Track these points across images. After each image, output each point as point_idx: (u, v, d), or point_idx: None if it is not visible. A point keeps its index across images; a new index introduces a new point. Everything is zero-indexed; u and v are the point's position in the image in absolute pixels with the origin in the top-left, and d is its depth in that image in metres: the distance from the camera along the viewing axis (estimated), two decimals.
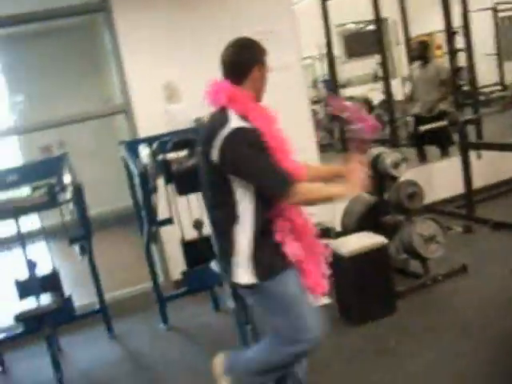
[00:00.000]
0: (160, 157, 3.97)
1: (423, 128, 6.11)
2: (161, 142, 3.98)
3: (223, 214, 2.48)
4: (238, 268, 2.47)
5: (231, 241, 2.45)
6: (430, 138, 6.24)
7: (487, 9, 10.67)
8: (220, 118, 2.40)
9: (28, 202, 3.95)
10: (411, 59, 6.61)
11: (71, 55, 7.49)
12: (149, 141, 4.05)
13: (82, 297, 4.74)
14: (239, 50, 2.50)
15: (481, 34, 6.51)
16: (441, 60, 7.13)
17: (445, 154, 6.38)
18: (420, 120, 6.24)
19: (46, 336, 3.64)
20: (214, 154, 2.37)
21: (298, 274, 2.50)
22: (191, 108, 4.52)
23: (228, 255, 2.49)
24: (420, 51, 6.27)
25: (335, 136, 8.47)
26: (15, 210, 3.90)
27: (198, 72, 4.82)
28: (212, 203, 2.56)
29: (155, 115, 4.80)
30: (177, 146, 3.90)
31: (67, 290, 4.39)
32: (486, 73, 9.55)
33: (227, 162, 2.35)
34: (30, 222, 4.44)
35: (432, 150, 6.60)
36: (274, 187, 2.35)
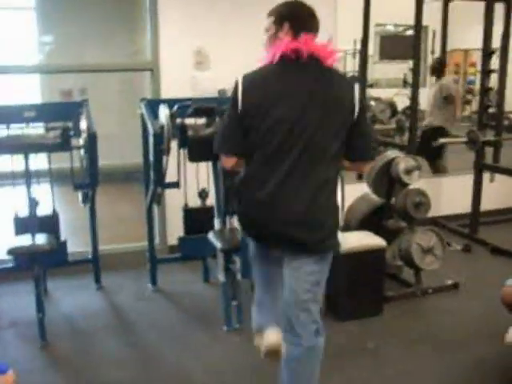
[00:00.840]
0: (178, 120, 3.97)
1: (440, 141, 6.11)
2: (182, 106, 3.97)
3: (335, 174, 2.50)
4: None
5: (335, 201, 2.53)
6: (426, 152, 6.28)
7: None
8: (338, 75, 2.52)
9: (41, 140, 3.97)
10: (431, 73, 6.69)
11: (108, 3, 7.46)
12: (170, 103, 4.04)
13: (76, 244, 4.76)
14: None
15: None
16: (453, 77, 7.21)
17: (434, 169, 6.48)
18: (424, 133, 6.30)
19: (34, 275, 3.67)
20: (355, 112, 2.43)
21: None
22: (218, 78, 4.51)
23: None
24: (434, 67, 6.30)
25: None
26: (27, 146, 3.91)
27: (230, 44, 4.82)
28: (329, 163, 2.46)
29: (181, 79, 4.79)
30: (197, 113, 3.90)
31: (64, 234, 4.41)
32: None
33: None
34: (39, 162, 4.46)
35: (447, 164, 6.58)
36: None
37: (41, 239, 3.75)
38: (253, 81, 2.41)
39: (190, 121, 4.08)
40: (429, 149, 6.20)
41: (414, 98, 5.44)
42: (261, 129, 2.35)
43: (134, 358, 3.57)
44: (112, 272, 4.72)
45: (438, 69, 6.57)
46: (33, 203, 4.01)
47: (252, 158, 2.42)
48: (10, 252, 3.67)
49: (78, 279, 4.64)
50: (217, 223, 4.05)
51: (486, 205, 5.76)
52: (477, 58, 11.41)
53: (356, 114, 2.41)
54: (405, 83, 9.89)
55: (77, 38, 7.46)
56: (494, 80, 5.78)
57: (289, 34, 2.42)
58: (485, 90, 5.59)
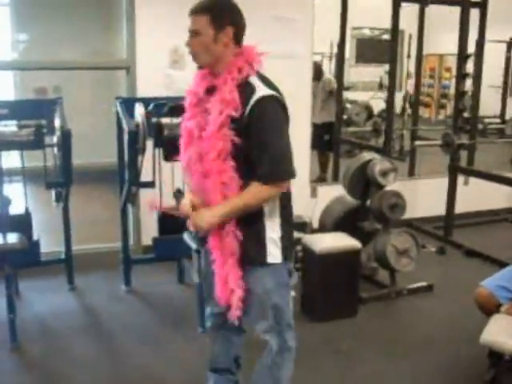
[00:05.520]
0: (154, 119, 3.93)
1: (416, 143, 6.19)
2: (157, 105, 3.94)
3: None
4: None
5: None
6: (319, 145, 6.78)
7: (501, 41, 10.70)
8: None
9: (13, 137, 3.90)
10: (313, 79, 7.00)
11: (83, 2, 7.37)
12: (145, 101, 4.01)
13: (49, 244, 4.68)
14: None
15: (490, 65, 6.54)
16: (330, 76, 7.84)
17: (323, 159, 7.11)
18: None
19: (5, 275, 3.59)
20: None
21: None
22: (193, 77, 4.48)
23: None
24: (315, 72, 6.53)
25: None
26: None
27: None
28: None
29: (157, 77, 4.76)
30: (173, 112, 3.86)
31: (37, 234, 4.34)
32: (488, 104, 9.59)
33: None
34: (11, 160, 4.39)
35: (422, 167, 6.64)
36: None
37: (12, 238, 3.67)
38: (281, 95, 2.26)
39: (165, 120, 4.05)
40: (321, 142, 6.79)
41: (390, 101, 5.49)
42: None
43: (107, 359, 3.52)
44: (85, 272, 4.66)
45: (318, 72, 6.97)
46: (5, 202, 3.94)
47: None
48: None
49: (50, 280, 4.57)
50: None
51: (461, 207, 5.81)
52: (452, 62, 11.54)
53: None
54: (380, 86, 9.99)
55: (51, 35, 7.35)
56: (468, 85, 5.84)
57: (231, 42, 2.24)
58: (460, 94, 5.64)
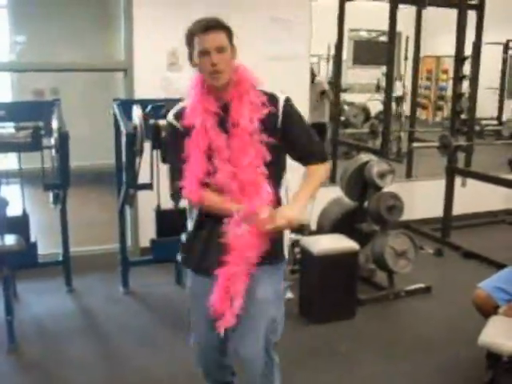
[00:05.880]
0: (152, 121, 3.93)
1: (414, 145, 6.18)
2: (155, 107, 3.94)
3: None
4: None
5: None
6: None
7: (498, 43, 10.72)
8: None
9: (11, 139, 3.89)
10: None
11: (82, 2, 7.37)
12: (143, 103, 4.01)
13: (47, 246, 4.69)
14: None
15: (487, 67, 6.56)
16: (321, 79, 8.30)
17: None
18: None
19: (3, 276, 3.59)
20: None
21: None
22: (190, 79, 4.48)
23: None
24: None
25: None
26: None
27: None
28: None
29: (154, 79, 4.76)
30: None
31: (34, 236, 4.34)
32: (485, 106, 9.61)
33: None
34: (9, 162, 4.39)
35: (419, 169, 6.64)
36: None
37: (10, 240, 3.66)
38: None
39: (163, 122, 4.03)
40: None
41: (388, 103, 5.49)
42: None
43: (104, 361, 3.52)
44: (82, 274, 4.65)
45: (310, 75, 7.02)
46: (2, 204, 3.93)
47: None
48: None
49: (48, 281, 4.56)
50: (190, 225, 4.00)
51: (458, 209, 5.82)
52: (449, 64, 11.57)
53: None
54: (378, 88, 10.00)
55: (49, 36, 7.36)
56: (465, 87, 5.85)
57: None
58: (457, 96, 5.65)
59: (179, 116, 2.29)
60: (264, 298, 2.32)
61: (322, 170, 2.36)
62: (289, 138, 2.30)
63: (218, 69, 2.16)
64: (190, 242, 2.48)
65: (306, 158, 2.36)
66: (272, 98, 2.25)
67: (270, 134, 2.22)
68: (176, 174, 2.33)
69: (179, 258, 3.64)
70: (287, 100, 2.30)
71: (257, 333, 2.34)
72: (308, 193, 2.29)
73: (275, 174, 2.29)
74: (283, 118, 2.27)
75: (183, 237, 3.75)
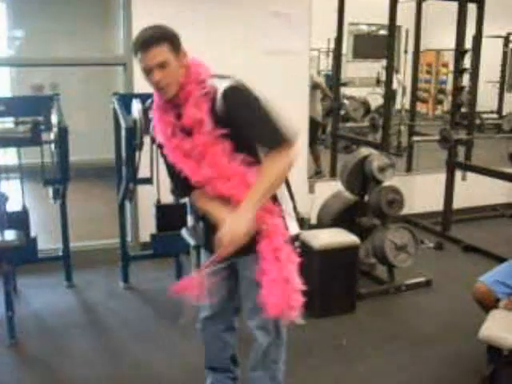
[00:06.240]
0: (151, 115, 3.91)
1: (414, 139, 6.17)
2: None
3: None
4: None
5: None
6: None
7: (499, 36, 10.70)
8: None
9: (10, 134, 3.89)
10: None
11: None
12: (143, 97, 3.99)
13: (47, 241, 4.69)
14: None
15: (487, 61, 6.55)
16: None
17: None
18: None
19: (4, 272, 3.59)
20: None
21: None
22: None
23: None
24: None
25: (327, 131, 8.48)
26: None
27: (202, 39, 4.77)
28: None
29: None
30: None
31: (34, 231, 4.33)
32: (485, 99, 9.60)
33: None
34: (8, 157, 4.38)
35: (419, 162, 6.64)
36: None
37: (10, 235, 3.66)
38: None
39: None
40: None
41: (388, 97, 5.48)
42: None
43: (105, 356, 3.52)
44: (83, 269, 4.65)
45: None
46: (2, 199, 3.93)
47: None
48: None
49: (48, 277, 4.56)
50: (190, 220, 4.01)
51: (458, 203, 5.82)
52: (449, 58, 11.55)
53: None
54: (377, 82, 9.99)
55: (48, 31, 7.33)
56: (465, 81, 5.83)
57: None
58: (458, 89, 5.64)
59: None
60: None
61: (276, 164, 2.14)
62: (236, 126, 2.14)
63: (162, 85, 2.12)
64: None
65: (261, 147, 2.20)
66: (213, 91, 2.13)
67: (223, 125, 2.14)
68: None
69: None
70: (228, 88, 2.11)
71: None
72: (255, 195, 2.14)
73: (254, 159, 2.21)
74: (225, 108, 2.11)
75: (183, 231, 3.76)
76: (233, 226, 2.13)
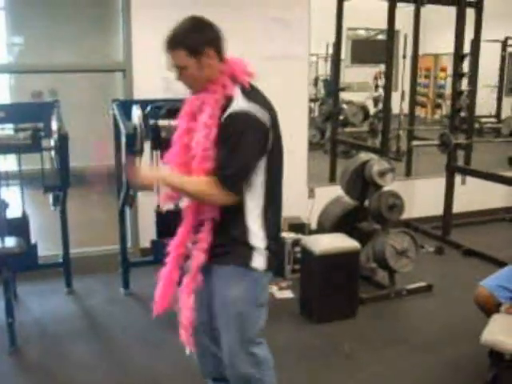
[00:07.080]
0: (151, 121, 3.92)
1: (414, 143, 6.18)
2: (154, 107, 3.93)
3: None
4: None
5: None
6: None
7: (496, 41, 10.71)
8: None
9: (10, 140, 3.89)
10: None
11: (80, 3, 7.36)
12: (143, 103, 4.00)
13: (47, 247, 4.68)
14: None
15: (486, 65, 6.56)
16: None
17: None
18: None
19: (4, 279, 3.58)
20: None
21: None
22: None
23: None
24: None
25: (326, 136, 8.49)
26: None
27: None
28: None
29: (153, 80, 4.73)
30: (170, 114, 3.86)
31: (34, 237, 4.33)
32: (484, 103, 9.61)
33: None
34: (8, 163, 4.38)
35: (419, 167, 6.64)
36: None
37: (10, 242, 3.65)
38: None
39: (163, 122, 4.03)
40: None
41: (387, 102, 5.48)
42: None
43: (105, 362, 3.51)
44: (83, 276, 4.64)
45: None
46: (2, 205, 3.92)
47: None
48: None
49: (48, 283, 4.55)
50: None
51: (458, 207, 5.82)
52: (447, 62, 11.56)
53: None
54: (376, 87, 9.99)
55: (47, 38, 7.35)
56: (464, 85, 5.84)
57: (215, 60, 2.23)
58: (456, 94, 5.64)
59: None
60: (230, 296, 2.33)
61: (205, 186, 2.19)
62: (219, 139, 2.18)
63: (185, 84, 2.27)
64: None
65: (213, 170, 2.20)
66: (226, 105, 2.17)
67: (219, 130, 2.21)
68: None
69: None
70: (234, 112, 2.14)
71: (226, 332, 2.40)
72: (178, 179, 2.28)
73: None
74: (223, 124, 2.15)
75: None
76: (151, 172, 2.49)
